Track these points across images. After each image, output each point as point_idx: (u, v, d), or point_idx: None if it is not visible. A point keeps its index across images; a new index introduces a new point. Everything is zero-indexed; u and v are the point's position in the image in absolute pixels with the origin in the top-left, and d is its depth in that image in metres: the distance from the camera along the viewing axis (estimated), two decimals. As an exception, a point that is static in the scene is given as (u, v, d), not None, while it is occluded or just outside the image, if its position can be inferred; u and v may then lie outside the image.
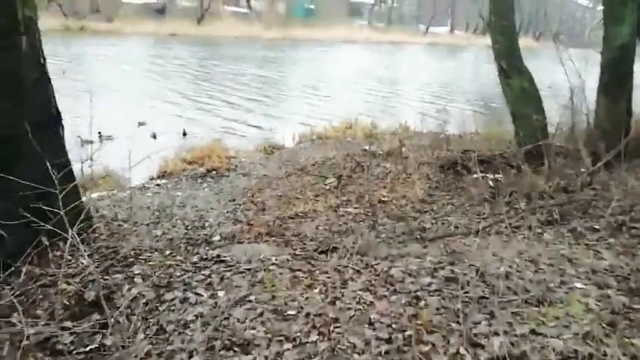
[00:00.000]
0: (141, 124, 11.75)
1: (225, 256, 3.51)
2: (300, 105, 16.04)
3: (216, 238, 4.50)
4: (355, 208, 6.20)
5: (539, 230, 4.18)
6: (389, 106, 15.91)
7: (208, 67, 24.95)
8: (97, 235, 3.91)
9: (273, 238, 4.19)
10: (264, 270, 3.25)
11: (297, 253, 3.74)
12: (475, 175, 6.66)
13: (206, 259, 3.48)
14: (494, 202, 5.60)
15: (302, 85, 20.51)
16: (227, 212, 6.34)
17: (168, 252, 3.64)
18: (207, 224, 5.79)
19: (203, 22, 43.25)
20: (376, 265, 3.30)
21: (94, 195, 7.36)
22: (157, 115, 13.24)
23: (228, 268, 3.29)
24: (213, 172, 8.30)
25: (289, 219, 5.78)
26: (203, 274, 3.17)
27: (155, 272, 3.11)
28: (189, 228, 5.61)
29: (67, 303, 2.68)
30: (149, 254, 3.52)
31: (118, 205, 6.68)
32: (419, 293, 2.90)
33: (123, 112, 13.11)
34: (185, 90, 17.84)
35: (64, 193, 3.21)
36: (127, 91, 16.89)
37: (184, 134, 11.25)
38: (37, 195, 3.25)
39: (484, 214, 5.07)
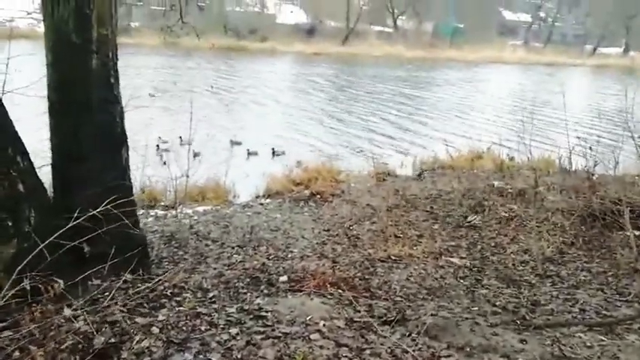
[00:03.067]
0: (235, 142, 11.72)
1: (267, 311, 2.99)
2: (429, 130, 15.04)
3: (284, 279, 4.01)
4: (461, 258, 5.23)
5: None
6: (534, 135, 14.05)
7: (333, 85, 25.24)
8: (153, 259, 3.66)
9: (339, 291, 3.54)
10: (304, 339, 2.64)
11: (356, 318, 3.04)
12: (628, 233, 5.18)
13: (245, 311, 3.00)
14: (650, 276, 4.21)
15: (429, 107, 19.44)
16: (316, 244, 5.84)
17: (210, 295, 3.25)
18: (290, 255, 5.36)
19: (348, 41, 44.25)
20: (445, 358, 2.46)
21: (200, 208, 7.53)
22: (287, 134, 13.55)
23: (263, 329, 2.76)
24: (318, 196, 7.90)
25: (380, 262, 5.07)
26: (229, 334, 2.68)
27: (179, 322, 2.72)
28: (270, 257, 5.24)
29: (75, 346, 2.40)
30: (187, 295, 3.16)
31: (217, 223, 6.65)
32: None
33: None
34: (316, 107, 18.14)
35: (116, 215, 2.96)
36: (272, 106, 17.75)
37: (274, 153, 10.94)
38: (89, 217, 3.08)
39: (630, 294, 3.78)
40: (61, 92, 3.27)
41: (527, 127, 7.55)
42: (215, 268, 4.59)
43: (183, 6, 7.86)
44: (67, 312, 2.51)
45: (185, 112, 10.97)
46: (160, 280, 3.20)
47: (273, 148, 11.05)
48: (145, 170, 7.77)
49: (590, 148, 7.34)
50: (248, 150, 10.96)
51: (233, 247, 5.59)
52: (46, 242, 2.45)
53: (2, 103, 3.10)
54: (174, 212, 6.99)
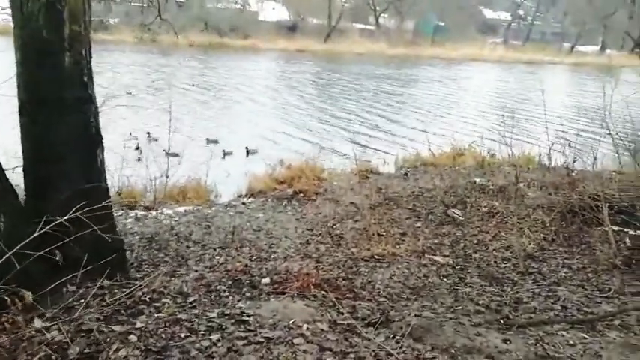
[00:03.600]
0: (211, 141, 11.60)
1: (249, 315, 2.93)
2: (408, 129, 15.07)
3: (266, 281, 3.95)
4: (444, 256, 5.24)
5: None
6: (515, 132, 14.18)
7: (319, 82, 25.20)
8: (132, 262, 3.56)
9: (323, 292, 3.49)
10: (287, 343, 2.59)
11: (340, 321, 3.00)
12: (606, 229, 5.25)
13: (227, 315, 2.93)
14: (629, 271, 4.27)
15: (413, 104, 19.53)
16: (300, 243, 5.79)
17: (191, 299, 3.17)
18: (273, 256, 5.31)
19: (330, 39, 44.18)
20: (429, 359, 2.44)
21: (180, 209, 7.40)
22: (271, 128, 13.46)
23: (245, 334, 2.70)
24: (301, 194, 7.85)
25: (363, 261, 5.05)
26: (210, 340, 2.61)
27: (158, 329, 2.64)
28: (253, 258, 5.18)
29: (48, 357, 2.31)
30: (167, 300, 3.07)
31: (198, 223, 6.54)
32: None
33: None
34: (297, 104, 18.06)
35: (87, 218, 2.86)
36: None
37: (248, 153, 10.84)
38: (63, 222, 2.97)
39: (610, 289, 3.82)
40: (32, 91, 3.14)
41: (507, 124, 7.61)
42: (196, 271, 4.50)
43: (161, 3, 7.70)
44: (38, 323, 2.40)
45: (162, 111, 10.86)
46: (138, 285, 3.11)
47: (246, 147, 10.94)
48: (123, 170, 7.64)
49: (569, 145, 7.43)
50: (224, 150, 10.81)
51: (215, 249, 5.51)
52: (14, 250, 2.33)
53: None
54: (154, 213, 6.88)
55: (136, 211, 7.00)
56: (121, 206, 7.09)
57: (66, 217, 2.67)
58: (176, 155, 8.80)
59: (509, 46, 51.13)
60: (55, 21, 3.07)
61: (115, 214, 6.78)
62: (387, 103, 19.75)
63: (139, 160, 9.80)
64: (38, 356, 2.26)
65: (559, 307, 3.44)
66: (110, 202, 3.64)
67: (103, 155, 3.44)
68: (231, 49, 38.69)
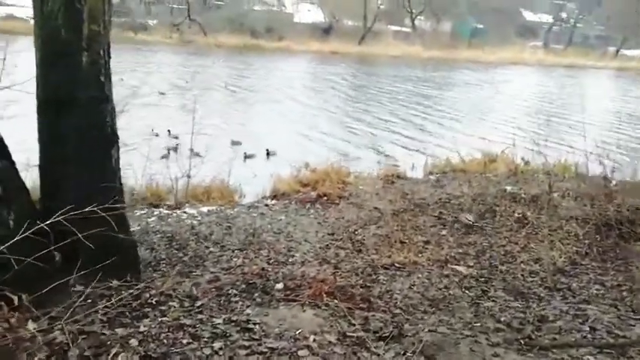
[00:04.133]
0: (235, 143, 11.51)
1: (255, 323, 2.85)
2: (439, 133, 14.75)
3: (279, 286, 3.86)
4: (468, 267, 5.03)
5: None
6: (552, 138, 13.66)
7: (351, 84, 25.07)
8: (150, 262, 3.53)
9: (335, 301, 3.37)
10: (290, 355, 2.49)
11: (350, 333, 2.87)
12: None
13: (233, 322, 2.85)
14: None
15: (446, 108, 19.12)
16: (319, 248, 5.69)
17: (199, 303, 3.11)
18: (291, 260, 5.22)
19: (364, 41, 43.95)
20: (439, 382, 2.29)
21: (204, 209, 7.43)
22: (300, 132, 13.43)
23: (248, 343, 2.61)
24: (324, 198, 7.74)
25: (382, 269, 4.90)
26: (212, 348, 2.54)
27: (160, 334, 2.59)
28: (270, 262, 5.11)
29: (48, 358, 2.28)
30: (174, 303, 3.03)
31: (220, 224, 6.54)
32: None
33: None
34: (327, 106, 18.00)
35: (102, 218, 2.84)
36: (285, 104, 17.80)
37: (268, 154, 10.72)
38: (74, 221, 2.96)
39: (647, 312, 3.54)
40: (48, 91, 3.17)
41: (542, 130, 7.31)
42: (212, 272, 4.47)
43: (191, 4, 7.74)
44: (31, 325, 2.39)
45: (189, 111, 10.94)
46: (145, 287, 3.08)
47: (267, 149, 10.83)
48: (150, 167, 7.74)
49: (607, 155, 7.04)
50: (245, 153, 10.74)
51: (233, 250, 5.47)
52: (6, 245, 2.31)
53: None
54: (178, 212, 6.92)
55: (160, 209, 7.07)
56: (147, 204, 7.19)
57: (72, 215, 2.63)
58: (198, 155, 8.85)
59: (549, 50, 49.59)
60: (74, 20, 3.08)
61: (139, 213, 6.94)
62: (420, 106, 19.44)
63: (165, 157, 9.87)
64: (38, 357, 2.24)
65: (587, 329, 3.20)
66: (124, 202, 3.64)
67: (118, 155, 3.44)
68: (266, 50, 39.06)
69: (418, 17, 50.62)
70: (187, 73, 23.64)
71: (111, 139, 3.38)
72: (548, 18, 58.16)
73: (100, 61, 3.22)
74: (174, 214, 6.86)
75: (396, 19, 50.79)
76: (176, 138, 11.17)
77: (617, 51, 49.75)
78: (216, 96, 18.83)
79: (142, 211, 6.91)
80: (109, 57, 3.35)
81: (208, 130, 11.83)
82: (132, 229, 6.05)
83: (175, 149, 10.38)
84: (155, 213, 6.87)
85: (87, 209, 2.66)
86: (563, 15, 57.58)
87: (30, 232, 2.44)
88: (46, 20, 3.09)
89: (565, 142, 12.63)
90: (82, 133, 3.21)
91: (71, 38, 3.08)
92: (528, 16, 58.99)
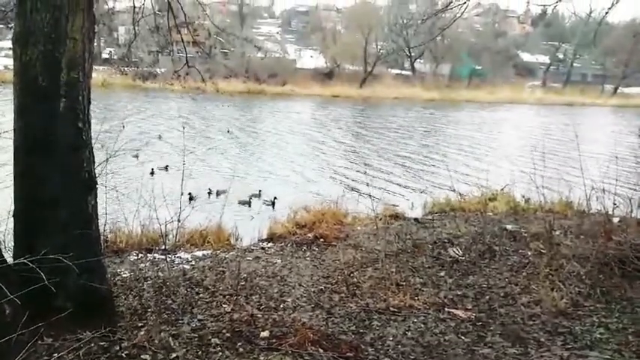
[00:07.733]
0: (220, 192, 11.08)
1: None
2: (438, 172, 14.69)
3: (264, 334, 3.70)
4: (466, 310, 4.83)
5: None
6: (553, 176, 13.54)
7: (349, 128, 25.31)
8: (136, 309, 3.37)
9: (321, 350, 3.20)
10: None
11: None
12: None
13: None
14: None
15: (445, 147, 19.18)
16: (313, 292, 5.52)
17: (173, 355, 2.95)
18: (282, 305, 5.06)
19: (365, 84, 44.84)
20: None
21: (199, 253, 7.30)
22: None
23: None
24: (321, 239, 7.61)
25: (377, 313, 4.72)
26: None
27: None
28: (261, 308, 4.95)
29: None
30: (147, 356, 2.87)
31: (213, 268, 6.40)
32: None
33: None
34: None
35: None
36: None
37: (273, 204, 10.45)
38: (52, 268, 2.87)
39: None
40: (25, 137, 3.14)
41: (539, 168, 7.20)
42: (199, 320, 4.31)
43: (197, 53, 7.89)
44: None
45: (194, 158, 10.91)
46: (119, 338, 2.93)
47: (274, 197, 10.72)
48: (144, 212, 7.66)
49: (603, 190, 6.90)
50: (239, 200, 10.53)
51: (224, 296, 5.31)
52: None
53: None
54: (171, 257, 6.80)
55: (155, 254, 6.96)
56: (142, 249, 7.09)
57: (44, 265, 2.54)
58: (191, 198, 8.76)
59: (548, 89, 50.32)
60: (52, 68, 3.09)
61: (133, 258, 6.82)
62: (420, 145, 19.52)
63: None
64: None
65: (590, 379, 3.01)
66: (100, 249, 3.54)
67: (95, 201, 3.36)
68: (269, 95, 39.84)
69: (418, 60, 51.81)
70: (189, 120, 24.01)
71: (88, 185, 3.31)
72: (544, 59, 59.34)
73: (78, 108, 3.20)
74: (168, 259, 6.73)
75: (396, 62, 52.03)
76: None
77: (616, 88, 50.37)
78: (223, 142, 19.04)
79: (136, 257, 6.82)
80: (89, 103, 3.34)
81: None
82: (125, 275, 5.99)
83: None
84: (149, 258, 6.76)
85: (59, 257, 2.55)
86: (560, 55, 58.75)
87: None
88: (24, 68, 3.10)
89: (566, 180, 12.50)
90: (59, 180, 3.15)
91: (48, 85, 3.08)
92: (525, 57, 60.23)
